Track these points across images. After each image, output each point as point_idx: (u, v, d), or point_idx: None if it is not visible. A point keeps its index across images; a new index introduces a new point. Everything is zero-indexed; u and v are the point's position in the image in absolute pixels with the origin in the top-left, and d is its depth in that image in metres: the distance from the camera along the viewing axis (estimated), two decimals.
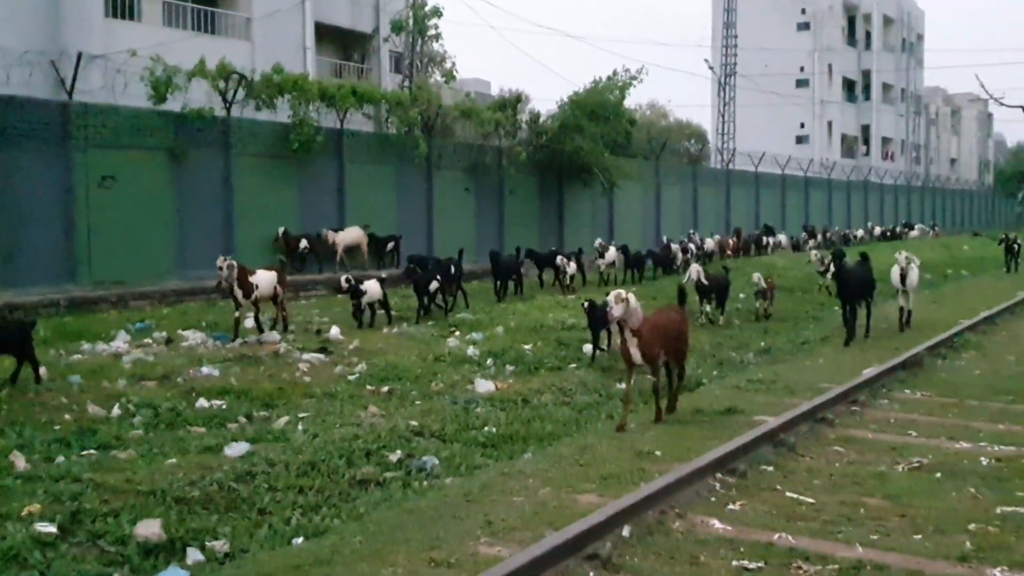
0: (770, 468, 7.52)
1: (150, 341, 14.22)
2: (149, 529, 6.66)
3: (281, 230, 23.39)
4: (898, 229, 53.93)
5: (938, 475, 7.36)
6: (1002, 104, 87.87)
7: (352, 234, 24.91)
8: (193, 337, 14.45)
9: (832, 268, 15.75)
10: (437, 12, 32.11)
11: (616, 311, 8.83)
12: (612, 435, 8.84)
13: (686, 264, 26.89)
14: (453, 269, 19.33)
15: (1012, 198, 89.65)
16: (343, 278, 17.21)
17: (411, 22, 32.27)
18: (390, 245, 25.89)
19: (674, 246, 29.71)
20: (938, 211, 70.84)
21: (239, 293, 14.53)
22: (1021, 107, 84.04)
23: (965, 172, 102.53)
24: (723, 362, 15.14)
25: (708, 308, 18.62)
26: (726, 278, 19.50)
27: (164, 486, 7.59)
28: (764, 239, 37.88)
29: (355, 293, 16.51)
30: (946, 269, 33.06)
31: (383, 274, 18.24)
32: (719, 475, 7.07)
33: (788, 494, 6.88)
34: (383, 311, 17.16)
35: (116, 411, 10.23)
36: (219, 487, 7.74)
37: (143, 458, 8.60)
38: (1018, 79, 78.91)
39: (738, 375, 12.58)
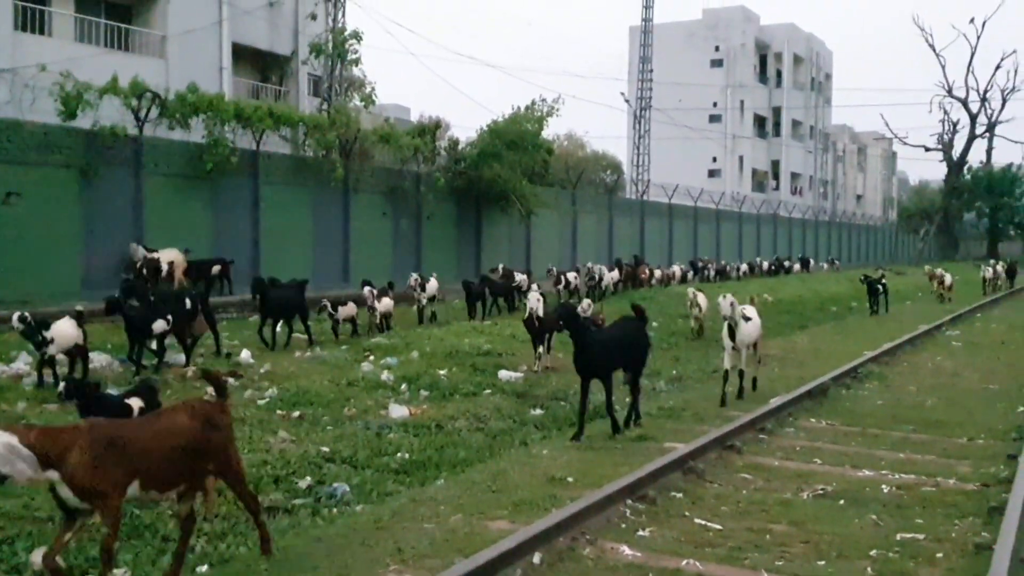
0: (679, 495, 7.61)
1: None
2: None
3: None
4: (787, 263, 50.75)
5: (841, 502, 7.53)
6: (905, 143, 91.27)
7: (166, 256, 21.58)
8: (98, 359, 14.03)
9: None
10: (357, 36, 32.06)
11: None
12: (525, 461, 8.84)
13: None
14: (189, 303, 14.49)
15: (915, 234, 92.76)
16: (15, 316, 12.40)
17: (330, 46, 32.15)
18: (215, 269, 22.36)
19: (518, 275, 25.82)
20: (844, 245, 72.94)
21: None
22: (924, 147, 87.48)
23: (870, 208, 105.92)
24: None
25: (540, 350, 15.10)
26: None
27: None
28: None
29: (33, 338, 12.20)
30: (851, 302, 33.97)
31: (79, 307, 13.19)
32: (630, 501, 7.13)
33: (697, 520, 6.97)
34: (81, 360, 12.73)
35: None
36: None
37: None
38: (920, 120, 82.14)
39: (650, 402, 12.67)
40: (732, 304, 11.80)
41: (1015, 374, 14.90)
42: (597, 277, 29.19)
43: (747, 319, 12.07)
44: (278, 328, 17.18)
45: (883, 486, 8.01)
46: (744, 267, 45.41)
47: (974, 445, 9.72)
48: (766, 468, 8.56)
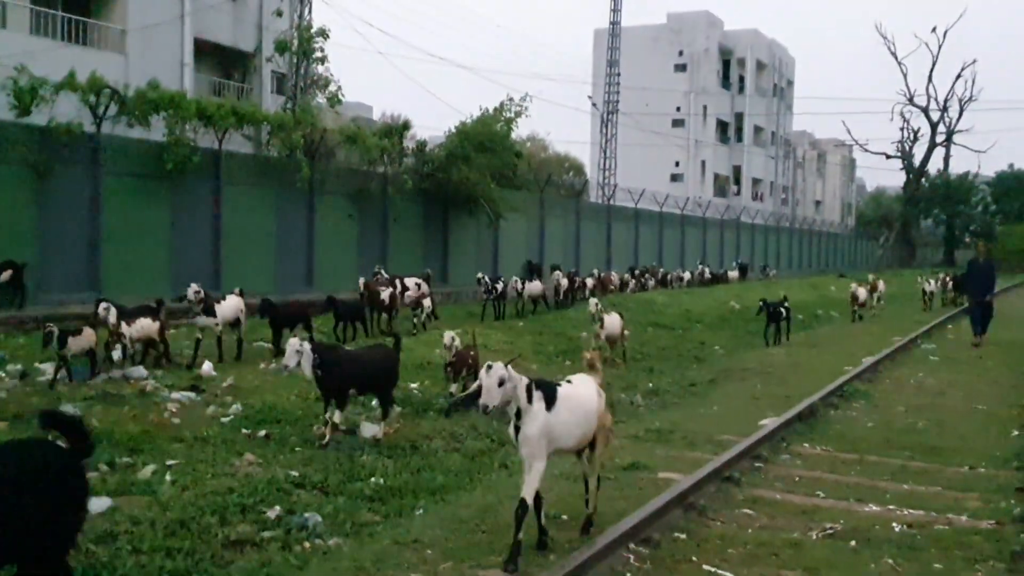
0: (683, 535, 7.11)
1: (2, 375, 13.04)
2: None
3: None
4: (726, 271, 48.09)
5: (853, 543, 7.09)
6: (866, 150, 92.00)
7: None
8: (51, 371, 13.33)
9: None
10: (323, 33, 31.32)
11: None
12: (512, 493, 8.29)
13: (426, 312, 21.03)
14: None
15: (874, 241, 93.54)
16: None
17: (296, 43, 31.40)
18: (5, 274, 18.78)
19: (411, 283, 21.84)
20: (804, 252, 73.22)
21: None
22: (885, 154, 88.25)
23: (829, 214, 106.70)
24: (613, 404, 14.86)
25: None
26: (389, 355, 11.41)
27: None
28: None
29: None
30: (816, 310, 33.93)
31: None
32: (632, 545, 6.63)
33: (705, 567, 6.47)
34: None
35: None
36: (76, 549, 6.93)
37: None
38: (880, 128, 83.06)
39: (634, 422, 12.26)
40: (501, 380, 6.35)
41: (1000, 392, 14.65)
42: (502, 287, 25.45)
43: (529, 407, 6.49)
44: None
45: (893, 524, 7.58)
46: (687, 275, 42.41)
47: (977, 475, 9.35)
48: (768, 502, 8.10)
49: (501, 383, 6.33)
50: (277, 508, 8.14)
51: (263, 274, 25.10)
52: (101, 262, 21.18)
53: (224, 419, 11.65)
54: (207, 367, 14.36)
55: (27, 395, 11.91)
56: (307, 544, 7.47)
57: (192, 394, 12.74)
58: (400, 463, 9.95)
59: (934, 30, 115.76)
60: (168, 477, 9.09)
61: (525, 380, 6.54)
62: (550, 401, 6.59)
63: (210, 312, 15.37)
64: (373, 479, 9.31)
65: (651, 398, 15.37)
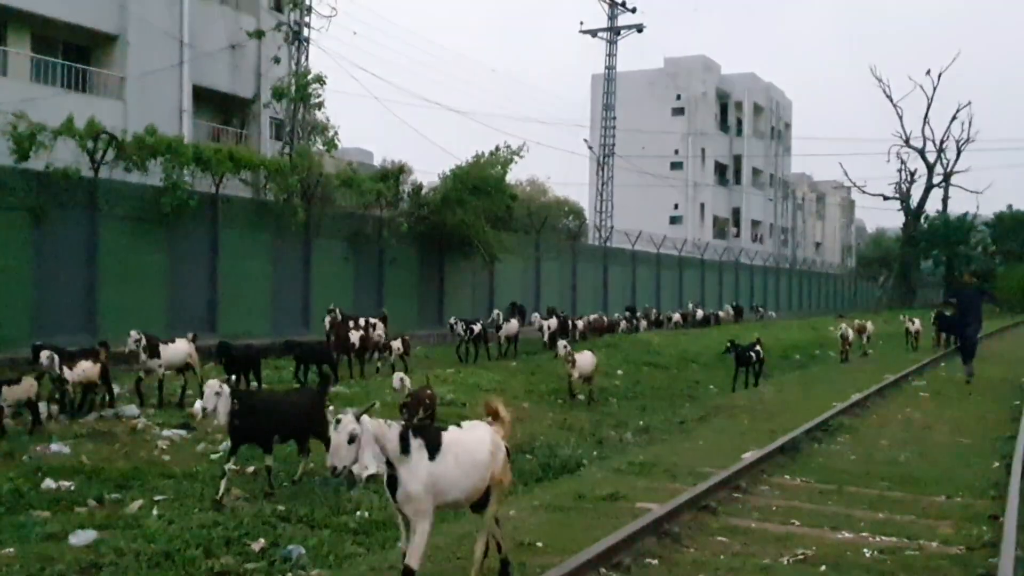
0: (655, 561, 7.23)
1: None
2: None
3: None
4: (720, 312, 47.60)
5: (823, 568, 7.19)
6: (864, 192, 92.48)
7: None
8: (44, 410, 13.46)
9: None
10: (320, 80, 31.78)
11: None
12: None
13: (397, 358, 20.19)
14: None
15: (873, 282, 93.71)
16: None
17: (293, 89, 31.83)
18: None
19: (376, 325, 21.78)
20: (805, 293, 73.37)
21: None
22: (883, 196, 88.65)
23: (829, 255, 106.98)
24: (602, 441, 15.04)
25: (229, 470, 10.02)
26: (312, 399, 11.31)
27: None
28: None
29: None
30: (814, 350, 34.09)
31: None
32: (603, 570, 6.74)
33: None
34: None
35: None
36: None
37: None
38: (878, 169, 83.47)
39: (619, 456, 12.37)
40: (352, 436, 5.73)
41: (985, 427, 14.73)
42: (478, 329, 25.03)
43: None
44: None
45: (865, 549, 7.69)
46: (676, 315, 42.18)
47: (953, 503, 9.46)
48: (743, 530, 8.21)
49: (352, 439, 5.62)
50: (262, 541, 8.26)
51: (259, 316, 25.28)
52: (98, 305, 21.33)
53: (213, 456, 11.80)
54: (198, 406, 14.47)
55: (16, 434, 12.04)
56: (290, 575, 7.59)
57: (183, 432, 12.89)
58: (385, 498, 10.04)
59: (928, 73, 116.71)
60: (155, 511, 9.23)
61: (397, 428, 5.85)
62: (433, 449, 5.90)
63: (154, 355, 14.82)
64: (359, 513, 9.43)
65: (641, 435, 15.51)
